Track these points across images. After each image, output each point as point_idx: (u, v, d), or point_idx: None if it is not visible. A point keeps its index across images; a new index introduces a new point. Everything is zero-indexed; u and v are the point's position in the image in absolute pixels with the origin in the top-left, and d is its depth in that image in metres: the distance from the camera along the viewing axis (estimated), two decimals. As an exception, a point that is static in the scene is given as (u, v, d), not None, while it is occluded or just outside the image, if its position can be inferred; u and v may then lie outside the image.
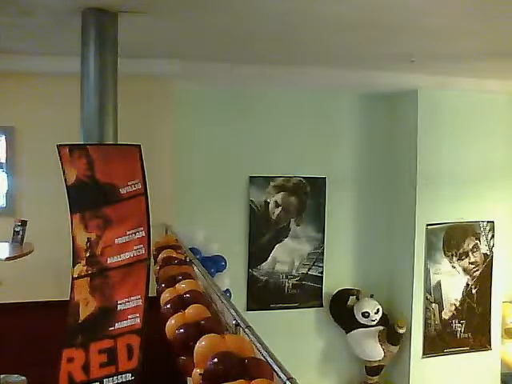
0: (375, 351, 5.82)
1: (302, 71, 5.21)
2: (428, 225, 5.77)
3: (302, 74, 5.28)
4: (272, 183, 5.92)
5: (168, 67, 4.89)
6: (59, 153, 3.11)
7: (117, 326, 2.96)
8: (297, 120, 5.93)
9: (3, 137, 4.94)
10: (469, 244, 5.96)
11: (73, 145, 3.16)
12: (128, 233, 3.03)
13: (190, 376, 2.08)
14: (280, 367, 1.68)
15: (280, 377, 1.63)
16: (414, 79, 5.41)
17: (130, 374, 2.90)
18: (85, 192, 3.11)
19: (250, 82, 5.66)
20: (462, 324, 5.97)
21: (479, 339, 6.01)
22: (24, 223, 4.02)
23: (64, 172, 3.13)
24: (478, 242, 5.99)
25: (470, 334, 5.98)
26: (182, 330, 2.31)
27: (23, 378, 3.40)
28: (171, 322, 2.46)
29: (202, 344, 2.00)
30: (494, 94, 5.81)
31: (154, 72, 4.93)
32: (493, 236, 6.02)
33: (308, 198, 6.04)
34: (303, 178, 6.00)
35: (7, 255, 3.61)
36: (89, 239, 3.09)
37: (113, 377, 2.92)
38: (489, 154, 5.88)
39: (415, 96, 5.69)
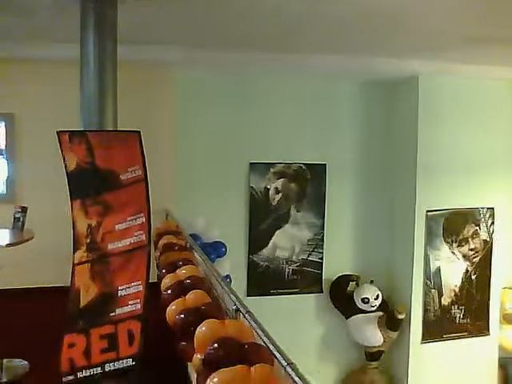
0: (375, 337, 5.86)
1: (303, 58, 5.18)
2: (428, 211, 5.77)
3: (302, 60, 5.25)
4: (272, 169, 5.92)
5: (168, 54, 4.86)
6: (59, 139, 3.11)
7: (117, 311, 2.98)
8: (297, 106, 5.91)
9: (3, 123, 4.92)
10: (469, 230, 5.97)
11: (73, 131, 3.16)
12: (128, 219, 3.04)
13: (191, 361, 2.09)
14: (280, 352, 1.69)
15: (280, 362, 1.64)
16: (414, 65, 5.37)
17: (131, 360, 2.93)
18: (85, 178, 3.11)
19: (250, 69, 5.63)
20: (461, 310, 6.00)
21: (478, 325, 6.05)
22: (24, 210, 4.03)
23: (64, 158, 3.13)
24: (477, 228, 5.99)
25: (468, 320, 6.02)
26: (182, 316, 2.32)
27: (25, 362, 3.42)
28: (172, 308, 2.47)
29: (202, 329, 2.01)
30: (495, 81, 5.77)
31: (154, 58, 4.90)
32: (493, 222, 6.03)
33: (308, 184, 6.04)
34: (303, 164, 6.00)
35: (8, 241, 3.62)
36: (89, 225, 3.10)
37: (114, 362, 2.95)
38: (489, 140, 5.86)
39: (416, 82, 5.66)
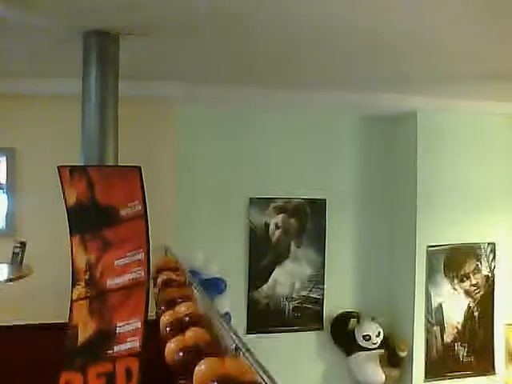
0: (376, 375, 5.76)
1: (302, 93, 5.25)
2: (428, 246, 5.75)
3: (302, 96, 5.32)
4: (272, 205, 5.92)
5: (169, 90, 4.92)
6: (60, 174, 3.12)
7: (115, 349, 2.94)
8: (297, 141, 5.95)
9: (4, 158, 4.95)
10: (470, 266, 5.94)
11: (73, 166, 3.18)
12: (127, 255, 3.02)
13: (190, 400, 2.05)
14: (280, 391, 1.66)
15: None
16: (413, 101, 5.44)
17: (129, 399, 2.87)
18: (85, 213, 3.11)
19: (251, 104, 5.69)
20: (464, 347, 5.91)
21: (483, 363, 5.94)
22: (23, 244, 4.00)
23: (64, 193, 3.14)
24: (479, 263, 5.96)
25: (473, 358, 5.92)
26: (181, 354, 2.29)
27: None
28: (170, 346, 2.44)
29: (201, 367, 1.98)
30: (493, 116, 5.83)
31: (156, 94, 4.96)
32: (494, 258, 5.99)
33: (308, 219, 6.03)
34: (303, 199, 6.00)
35: (6, 277, 3.59)
36: (88, 261, 3.08)
37: (111, 401, 2.90)
38: (489, 175, 5.88)
39: (414, 118, 5.72)
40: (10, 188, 4.97)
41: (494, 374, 5.97)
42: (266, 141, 5.83)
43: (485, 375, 5.95)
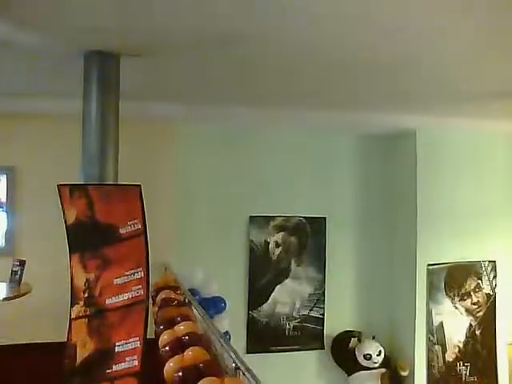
0: (378, 395, 5.71)
1: (301, 113, 5.28)
2: (429, 264, 5.73)
3: (300, 115, 5.35)
4: (272, 223, 5.92)
5: (169, 110, 4.96)
6: (59, 193, 3.12)
7: (114, 368, 2.92)
8: (297, 160, 5.97)
9: (4, 176, 4.96)
10: (471, 284, 5.91)
11: (73, 185, 3.18)
12: (127, 273, 3.01)
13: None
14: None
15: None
16: (412, 120, 5.47)
17: (128, 419, 2.84)
18: (84, 232, 3.11)
19: (251, 123, 5.72)
20: (466, 367, 5.85)
21: (486, 383, 5.89)
22: (22, 263, 4.00)
23: (64, 212, 3.14)
24: (480, 281, 5.93)
25: (475, 378, 5.86)
26: (180, 373, 2.27)
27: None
28: (170, 365, 2.42)
29: (200, 388, 1.97)
30: (493, 135, 5.85)
31: (155, 114, 5.00)
32: (495, 276, 5.97)
33: (308, 237, 6.02)
34: (303, 217, 6.00)
35: (4, 296, 3.57)
36: (87, 279, 3.07)
37: (110, 421, 2.87)
38: (489, 193, 5.88)
39: (413, 136, 5.75)
40: (10, 206, 4.98)
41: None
42: (265, 159, 5.85)
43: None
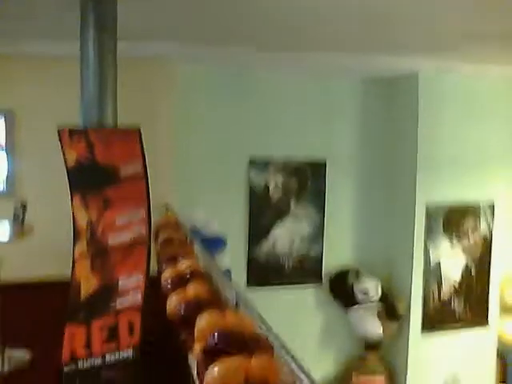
0: (374, 328, 5.89)
1: (302, 56, 5.19)
2: (428, 206, 5.79)
3: (302, 58, 5.27)
4: (272, 165, 5.93)
5: (168, 49, 4.87)
6: (59, 136, 3.13)
7: (118, 303, 3.01)
8: (297, 103, 5.92)
9: (2, 119, 4.94)
10: (468, 225, 5.99)
11: (73, 128, 3.18)
12: (129, 213, 3.07)
13: (191, 351, 2.11)
14: (280, 343, 1.71)
15: (280, 353, 1.66)
16: (414, 63, 5.37)
17: (132, 350, 2.96)
18: (85, 174, 3.13)
19: (250, 64, 5.64)
20: (460, 302, 6.03)
21: (477, 316, 6.08)
22: (24, 205, 4.04)
23: (64, 155, 3.15)
24: (477, 223, 6.01)
25: (468, 312, 6.05)
26: (182, 307, 2.34)
27: (27, 352, 3.46)
28: (172, 300, 2.49)
29: (202, 320, 2.03)
30: (495, 79, 5.77)
31: (154, 54, 4.91)
32: (492, 217, 6.05)
33: (308, 180, 6.06)
34: (303, 160, 6.01)
35: (7, 238, 3.63)
36: (89, 219, 3.12)
37: (114, 353, 2.98)
38: (489, 136, 5.86)
39: (416, 81, 5.68)
40: (10, 149, 4.98)
41: (488, 326, 6.11)
42: (266, 101, 5.80)
43: (479, 327, 6.09)
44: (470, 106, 5.80)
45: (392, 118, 6.14)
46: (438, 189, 5.79)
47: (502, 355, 6.30)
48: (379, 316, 5.87)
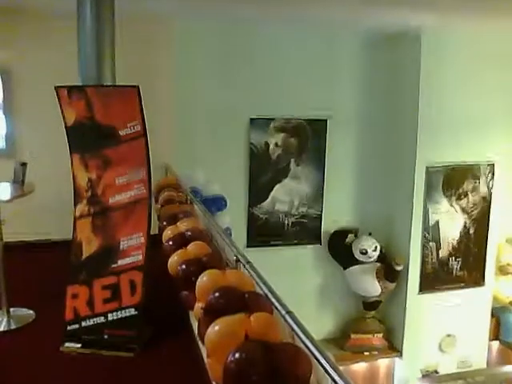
0: (372, 287, 5.97)
1: (303, 11, 5.07)
2: (428, 166, 5.79)
3: (303, 13, 5.14)
4: (272, 124, 5.89)
5: (166, 6, 4.76)
6: (57, 94, 3.09)
7: (119, 262, 3.03)
8: (298, 61, 5.82)
9: (-1, 78, 4.89)
10: (468, 185, 6.00)
11: (71, 86, 3.14)
12: (128, 173, 3.05)
13: (192, 310, 2.15)
14: (279, 301, 1.74)
15: (279, 310, 1.69)
16: (417, 19, 5.26)
17: (134, 309, 3.00)
18: (84, 133, 3.11)
19: (251, 21, 5.51)
20: (458, 262, 6.10)
21: (474, 276, 6.16)
22: (24, 164, 4.02)
23: (63, 114, 3.12)
24: (477, 183, 6.02)
25: (465, 272, 6.13)
26: (184, 266, 2.38)
27: (31, 311, 3.51)
28: (173, 259, 2.52)
29: (203, 279, 2.06)
30: (498, 38, 5.66)
31: (152, 11, 4.80)
32: (492, 178, 6.05)
33: (309, 139, 6.02)
34: (304, 119, 5.96)
35: (8, 196, 3.63)
36: (89, 179, 3.12)
37: (116, 311, 3.02)
38: (491, 97, 5.79)
39: (418, 38, 5.58)
40: (8, 108, 4.94)
41: (484, 285, 6.20)
42: (266, 60, 5.71)
43: (475, 287, 6.17)
44: (473, 65, 5.69)
45: (394, 77, 6.05)
46: (439, 149, 5.77)
47: (495, 313, 6.43)
48: (377, 276, 5.93)
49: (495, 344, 6.66)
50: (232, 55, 5.62)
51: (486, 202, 6.08)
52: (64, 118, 3.12)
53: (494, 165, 6.02)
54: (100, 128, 3.05)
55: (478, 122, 5.79)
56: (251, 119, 5.79)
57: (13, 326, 3.36)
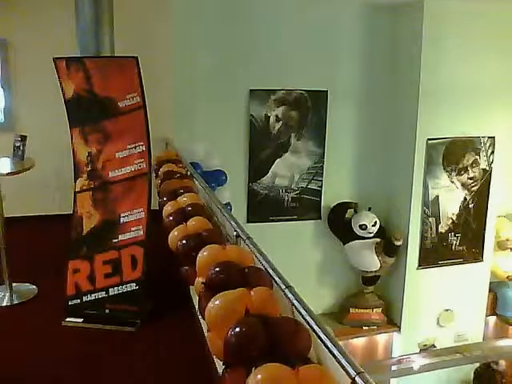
0: (372, 262, 5.99)
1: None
2: (429, 139, 5.75)
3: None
4: (273, 97, 5.83)
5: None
6: (56, 66, 3.06)
7: (120, 237, 3.05)
8: (299, 31, 5.72)
9: (-4, 49, 4.82)
10: (468, 159, 5.97)
11: (69, 58, 3.10)
12: (128, 147, 3.04)
13: (193, 284, 2.15)
14: (279, 276, 1.74)
15: (279, 285, 1.70)
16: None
17: (135, 284, 3.02)
18: (83, 106, 3.09)
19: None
20: (457, 237, 6.11)
21: (473, 251, 6.18)
22: (24, 138, 4.00)
23: (61, 86, 3.10)
24: (477, 157, 5.99)
25: (464, 247, 6.14)
26: (184, 241, 2.37)
27: (34, 286, 3.53)
28: (174, 234, 2.52)
29: (203, 254, 2.06)
30: (500, 11, 5.57)
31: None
32: (493, 152, 6.02)
33: (309, 111, 5.97)
34: (305, 91, 5.90)
35: (8, 170, 3.62)
36: (89, 153, 3.11)
37: (118, 286, 3.05)
38: (492, 69, 5.71)
39: (421, 5, 5.47)
40: (5, 81, 4.89)
41: (482, 261, 6.23)
42: (266, 31, 5.61)
43: (473, 262, 6.20)
44: (476, 34, 5.58)
45: (395, 48, 5.95)
46: (439, 123, 5.71)
47: (493, 288, 6.48)
48: (377, 251, 5.95)
49: (492, 319, 6.72)
50: (231, 25, 5.51)
51: (486, 176, 6.05)
52: (62, 90, 3.10)
53: (494, 138, 5.98)
54: (99, 100, 3.03)
55: (480, 95, 5.71)
56: (251, 90, 5.72)
57: (15, 301, 3.39)
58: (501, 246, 6.42)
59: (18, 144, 3.99)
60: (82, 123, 3.11)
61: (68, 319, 3.08)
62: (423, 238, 5.99)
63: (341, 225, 6.09)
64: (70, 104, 3.11)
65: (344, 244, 6.12)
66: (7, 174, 3.55)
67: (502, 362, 6.13)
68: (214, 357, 1.71)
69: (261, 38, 5.59)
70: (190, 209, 2.75)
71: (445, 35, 5.53)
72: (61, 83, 3.09)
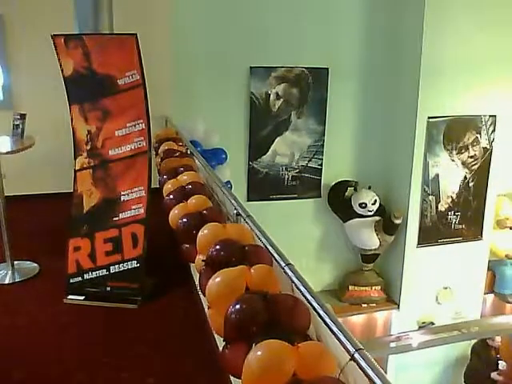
0: (371, 240, 6.02)
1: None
2: (429, 117, 5.72)
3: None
4: (273, 74, 5.78)
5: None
6: (54, 43, 3.03)
7: (121, 216, 3.05)
8: (299, 8, 5.65)
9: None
10: (469, 138, 5.95)
11: (68, 35, 3.07)
12: (128, 125, 3.03)
13: (193, 262, 2.17)
14: (279, 254, 1.75)
15: (279, 263, 1.70)
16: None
17: (136, 261, 3.04)
18: (82, 83, 3.07)
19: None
20: (457, 215, 6.12)
21: (472, 230, 6.21)
22: (23, 116, 3.98)
23: (60, 63, 3.07)
24: (478, 135, 5.97)
25: (463, 225, 6.16)
26: (185, 220, 2.38)
27: (35, 264, 3.55)
28: (174, 212, 2.53)
29: (204, 232, 2.07)
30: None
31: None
32: (494, 130, 6.00)
33: (310, 89, 5.93)
34: (305, 68, 5.85)
35: (8, 149, 3.61)
36: (89, 131, 3.10)
37: (119, 264, 3.07)
38: (493, 48, 5.65)
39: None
40: (3, 58, 4.84)
41: (481, 239, 6.25)
42: (266, 6, 5.54)
43: (473, 241, 6.23)
44: (478, 12, 5.51)
45: (397, 26, 5.87)
46: (440, 101, 5.68)
47: (491, 267, 6.52)
48: (376, 229, 5.97)
49: (490, 297, 6.78)
50: (232, 1, 5.44)
51: (487, 155, 6.04)
52: (61, 67, 3.08)
53: (495, 117, 5.95)
54: (98, 78, 3.01)
55: (480, 73, 5.67)
56: (251, 68, 5.68)
57: (17, 279, 3.41)
58: (500, 224, 6.44)
59: (17, 122, 3.97)
60: (81, 100, 3.09)
61: (70, 297, 3.10)
62: (423, 216, 6.00)
63: (341, 203, 6.10)
64: (68, 82, 3.09)
65: (344, 222, 6.14)
66: (7, 153, 3.54)
67: (498, 338, 6.19)
68: (215, 333, 1.73)
69: (261, 14, 5.52)
70: (190, 187, 2.75)
71: (447, 10, 5.46)
72: (59, 60, 3.07)
